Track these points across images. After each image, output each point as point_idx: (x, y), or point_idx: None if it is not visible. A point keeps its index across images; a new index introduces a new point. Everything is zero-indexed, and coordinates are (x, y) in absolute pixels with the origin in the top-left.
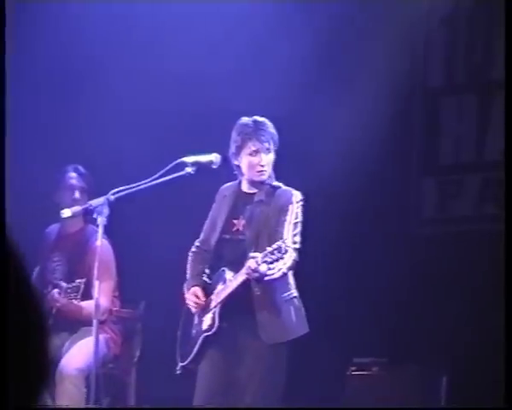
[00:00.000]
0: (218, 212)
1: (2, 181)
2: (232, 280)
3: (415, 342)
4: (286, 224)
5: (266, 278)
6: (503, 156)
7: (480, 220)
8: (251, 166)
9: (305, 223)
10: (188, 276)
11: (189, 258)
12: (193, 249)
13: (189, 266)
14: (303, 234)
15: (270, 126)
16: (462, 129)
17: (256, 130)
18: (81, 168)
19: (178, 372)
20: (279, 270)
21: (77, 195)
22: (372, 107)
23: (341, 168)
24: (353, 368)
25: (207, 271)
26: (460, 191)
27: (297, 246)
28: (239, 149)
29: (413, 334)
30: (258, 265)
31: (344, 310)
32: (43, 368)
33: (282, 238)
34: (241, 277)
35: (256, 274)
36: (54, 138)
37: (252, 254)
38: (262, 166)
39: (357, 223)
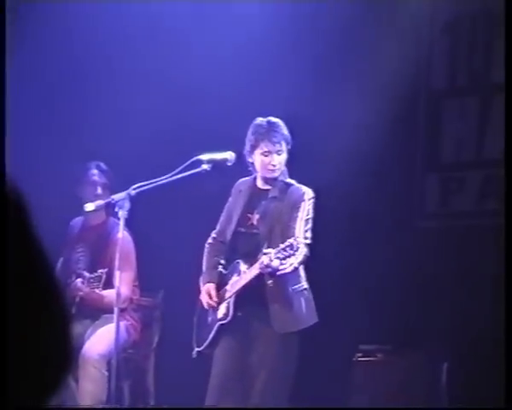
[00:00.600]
0: (234, 205)
1: (3, 180)
2: (246, 273)
3: (417, 331)
4: (298, 220)
5: (279, 273)
6: (503, 155)
7: (480, 215)
8: (263, 165)
9: (315, 218)
10: (203, 268)
11: (206, 249)
12: (209, 241)
13: (205, 257)
14: (313, 229)
15: (283, 127)
16: (464, 129)
17: (269, 131)
18: (103, 165)
19: (194, 356)
20: (291, 265)
21: (99, 190)
22: (378, 108)
23: (349, 167)
24: (359, 354)
25: (223, 262)
26: (461, 188)
27: (308, 241)
28: (253, 147)
29: (415, 323)
30: (271, 261)
31: (351, 300)
32: (66, 354)
33: (294, 234)
34: (255, 271)
35: (269, 269)
36: (71, 135)
37: (265, 251)
38: (273, 165)
39: (364, 217)
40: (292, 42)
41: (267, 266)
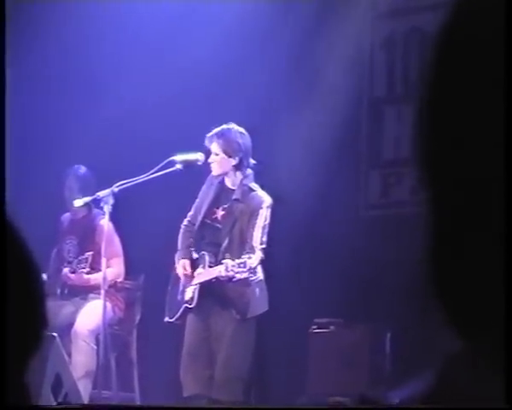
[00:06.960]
0: (206, 195)
1: (3, 180)
2: (206, 272)
3: (364, 306)
4: (256, 227)
5: (234, 280)
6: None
7: (415, 204)
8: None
9: (273, 216)
10: (179, 247)
11: (181, 230)
12: (185, 223)
13: (180, 237)
14: (271, 221)
15: (223, 134)
16: (401, 131)
17: (211, 136)
18: (81, 169)
19: (166, 322)
20: (247, 271)
21: (77, 192)
22: (328, 114)
23: (303, 165)
24: (314, 327)
25: (193, 247)
26: (399, 181)
27: (264, 246)
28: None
29: (363, 299)
30: (228, 272)
31: (309, 281)
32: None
33: (251, 239)
34: (214, 273)
35: (225, 277)
36: (59, 137)
37: (223, 261)
38: (211, 162)
39: (317, 208)
40: (244, 60)
41: (223, 276)
